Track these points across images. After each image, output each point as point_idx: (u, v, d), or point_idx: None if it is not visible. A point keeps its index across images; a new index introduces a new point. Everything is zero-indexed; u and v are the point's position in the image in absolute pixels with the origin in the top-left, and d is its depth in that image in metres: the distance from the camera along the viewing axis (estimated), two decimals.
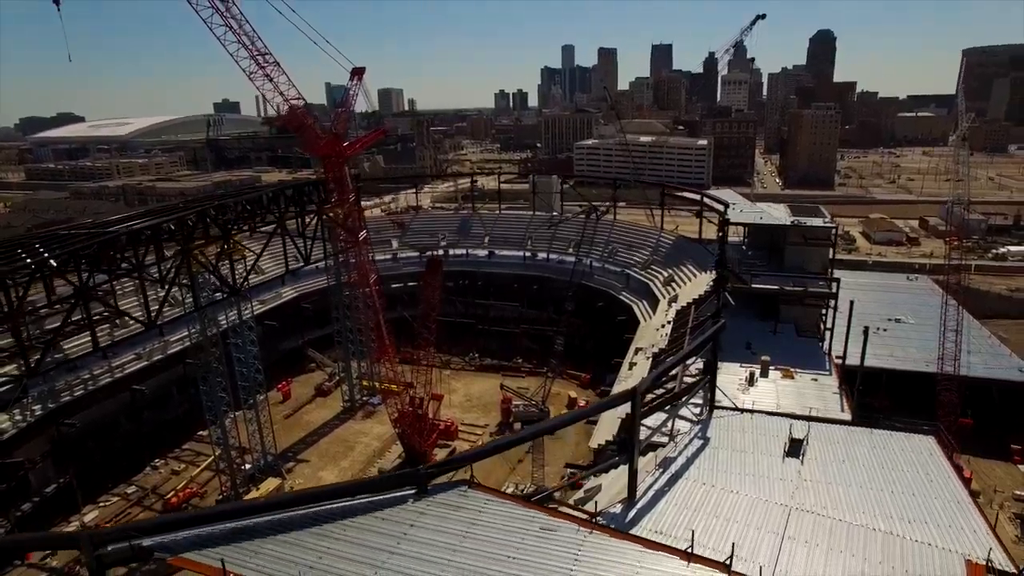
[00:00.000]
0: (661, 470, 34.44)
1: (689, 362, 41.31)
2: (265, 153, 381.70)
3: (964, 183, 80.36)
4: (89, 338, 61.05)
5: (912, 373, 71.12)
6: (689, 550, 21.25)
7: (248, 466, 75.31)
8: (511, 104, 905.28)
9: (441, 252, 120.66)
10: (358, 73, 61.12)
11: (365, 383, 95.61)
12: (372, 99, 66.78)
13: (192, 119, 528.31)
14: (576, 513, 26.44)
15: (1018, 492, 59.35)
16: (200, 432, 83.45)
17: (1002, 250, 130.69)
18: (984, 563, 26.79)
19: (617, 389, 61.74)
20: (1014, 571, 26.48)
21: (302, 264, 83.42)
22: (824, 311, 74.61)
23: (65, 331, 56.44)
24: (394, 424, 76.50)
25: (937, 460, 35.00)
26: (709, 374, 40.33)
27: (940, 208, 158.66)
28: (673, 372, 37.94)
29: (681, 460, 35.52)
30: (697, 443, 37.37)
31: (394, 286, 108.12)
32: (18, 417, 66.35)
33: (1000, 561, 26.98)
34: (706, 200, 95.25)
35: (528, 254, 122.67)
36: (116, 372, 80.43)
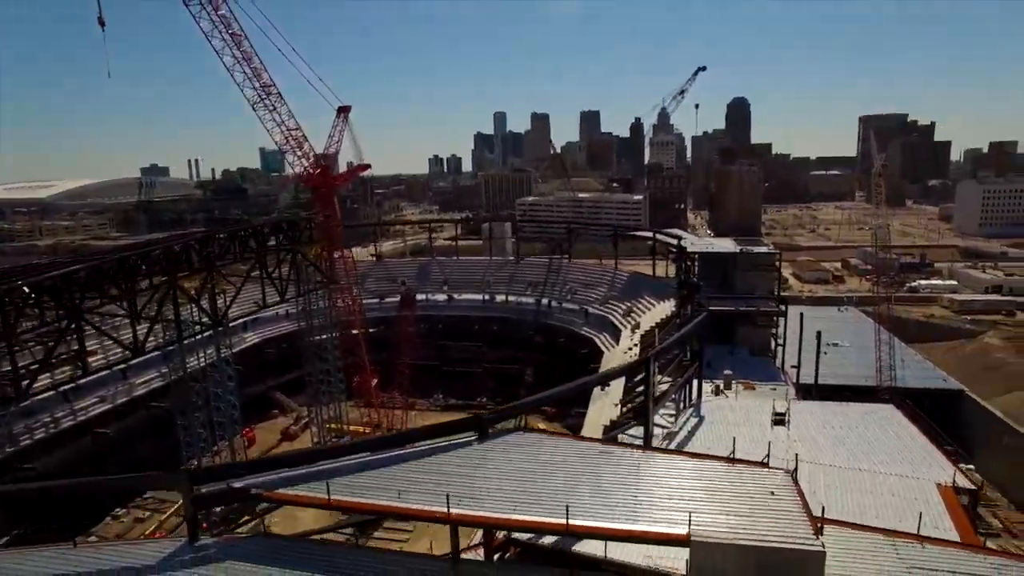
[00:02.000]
0: (667, 441, 38.08)
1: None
2: (201, 215, 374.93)
3: (883, 218, 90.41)
4: (49, 380, 59.87)
5: (856, 387, 78.20)
6: (732, 455, 24.90)
7: (220, 508, 73.76)
8: (445, 168, 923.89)
9: (399, 299, 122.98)
10: (344, 111, 64.92)
11: (333, 426, 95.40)
12: (357, 139, 70.33)
13: (121, 182, 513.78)
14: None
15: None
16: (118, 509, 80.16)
17: (915, 283, 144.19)
18: (952, 485, 31.56)
19: (593, 406, 65.14)
20: (975, 487, 31.37)
21: (260, 310, 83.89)
22: (774, 330, 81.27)
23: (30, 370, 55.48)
24: None
25: (899, 419, 40.29)
26: (697, 361, 44.72)
27: (858, 250, 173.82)
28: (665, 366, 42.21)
29: (683, 433, 39.33)
30: (694, 420, 41.35)
31: (355, 332, 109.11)
32: None
33: (962, 483, 31.85)
34: (659, 236, 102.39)
35: (487, 297, 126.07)
36: (79, 415, 78.14)
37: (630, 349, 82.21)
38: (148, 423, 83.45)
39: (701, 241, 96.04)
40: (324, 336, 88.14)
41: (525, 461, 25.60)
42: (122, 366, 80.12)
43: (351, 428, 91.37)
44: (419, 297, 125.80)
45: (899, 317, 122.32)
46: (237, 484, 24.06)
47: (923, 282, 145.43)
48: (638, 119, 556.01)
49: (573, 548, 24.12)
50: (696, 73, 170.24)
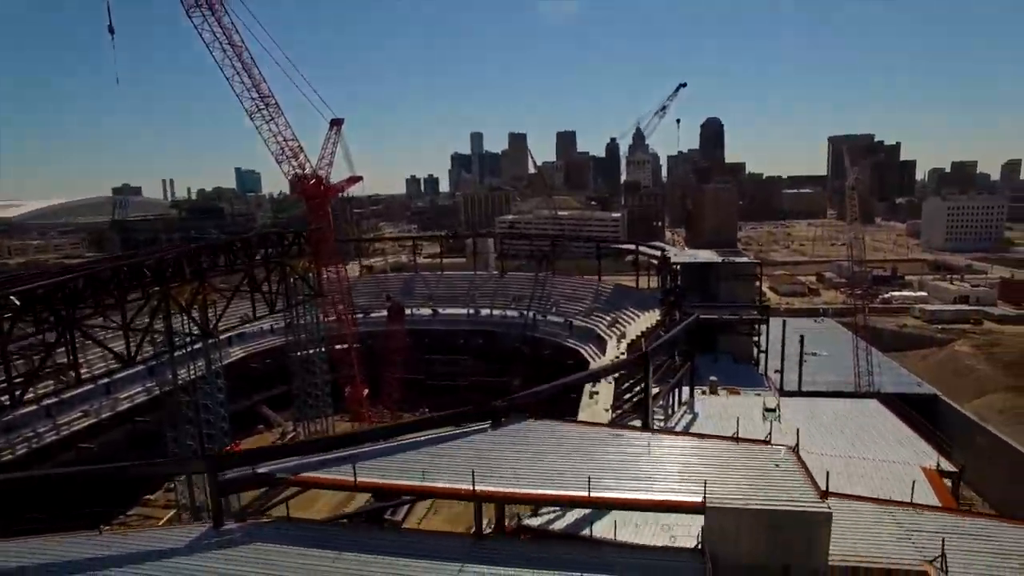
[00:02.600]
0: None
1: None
2: (178, 235, 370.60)
3: (858, 230, 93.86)
4: (31, 394, 59.28)
5: (836, 392, 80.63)
6: (735, 435, 26.24)
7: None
8: (422, 188, 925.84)
9: (385, 313, 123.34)
10: (337, 124, 66.07)
11: None
12: (350, 152, 71.34)
13: (92, 201, 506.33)
14: None
15: None
16: (147, 496, 79.76)
17: (887, 295, 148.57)
18: (936, 468, 33.31)
19: (583, 413, 66.26)
20: (957, 470, 33.15)
21: (247, 323, 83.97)
22: (756, 338, 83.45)
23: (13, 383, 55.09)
24: None
25: (884, 412, 42.16)
26: (689, 361, 46.25)
27: (832, 264, 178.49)
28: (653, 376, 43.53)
29: (680, 427, 40.67)
30: (689, 416, 42.76)
31: (339, 347, 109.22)
32: None
33: (946, 467, 33.62)
34: (642, 249, 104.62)
35: (472, 311, 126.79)
36: (63, 430, 77.14)
37: (617, 358, 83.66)
38: (132, 437, 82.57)
39: (684, 253, 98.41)
40: (312, 351, 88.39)
41: (540, 445, 26.68)
42: (105, 380, 79.69)
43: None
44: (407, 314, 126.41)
45: (874, 327, 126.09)
46: (262, 469, 24.73)
47: (895, 294, 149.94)
48: (614, 139, 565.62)
49: (583, 533, 25.17)
50: (677, 89, 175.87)
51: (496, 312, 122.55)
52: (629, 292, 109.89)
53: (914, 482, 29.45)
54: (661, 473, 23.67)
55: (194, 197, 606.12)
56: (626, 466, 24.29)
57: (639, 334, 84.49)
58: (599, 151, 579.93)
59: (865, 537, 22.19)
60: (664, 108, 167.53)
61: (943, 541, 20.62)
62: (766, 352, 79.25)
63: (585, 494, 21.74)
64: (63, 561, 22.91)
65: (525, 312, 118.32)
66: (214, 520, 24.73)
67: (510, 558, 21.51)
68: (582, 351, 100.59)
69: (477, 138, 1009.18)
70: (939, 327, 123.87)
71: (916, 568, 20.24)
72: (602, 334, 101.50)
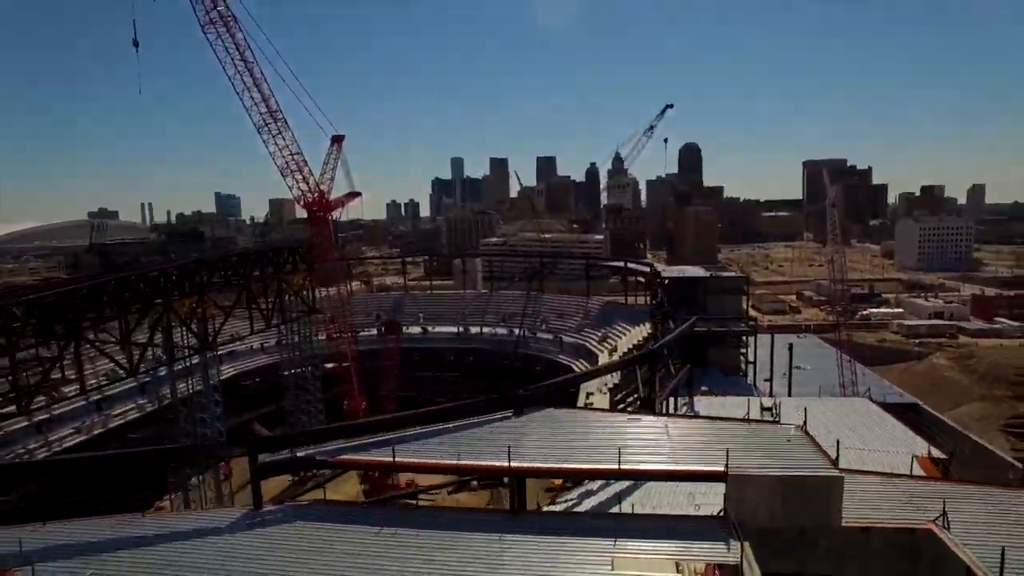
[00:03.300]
0: None
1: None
2: (158, 258, 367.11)
3: (838, 250, 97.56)
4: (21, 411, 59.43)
5: None
6: (747, 416, 27.91)
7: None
8: (403, 213, 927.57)
9: (375, 332, 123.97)
10: (338, 140, 67.83)
11: None
12: (350, 169, 72.88)
13: (69, 224, 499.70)
14: None
15: None
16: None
17: (866, 312, 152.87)
18: (927, 456, 35.36)
19: None
20: (946, 457, 35.24)
21: (237, 341, 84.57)
22: (744, 350, 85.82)
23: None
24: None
25: (875, 409, 44.26)
26: (689, 363, 48.09)
27: (812, 283, 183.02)
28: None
29: None
30: (692, 414, 44.45)
31: (329, 365, 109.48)
32: None
33: (936, 455, 35.71)
34: (630, 266, 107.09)
35: (462, 329, 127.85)
36: (54, 446, 76.63)
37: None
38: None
39: (672, 268, 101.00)
40: (307, 368, 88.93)
41: (563, 428, 28.15)
42: (97, 397, 79.55)
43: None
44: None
45: (854, 342, 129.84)
46: (301, 453, 25.81)
47: (873, 310, 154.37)
48: (593, 164, 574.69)
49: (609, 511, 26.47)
50: (664, 110, 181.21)
51: (486, 330, 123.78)
52: (618, 308, 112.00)
53: (912, 465, 31.35)
54: (682, 449, 25.23)
55: (173, 221, 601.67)
56: (648, 444, 25.80)
57: (631, 347, 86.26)
58: (579, 176, 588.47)
59: (872, 503, 23.91)
60: (652, 128, 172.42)
61: (944, 502, 22.43)
62: (754, 363, 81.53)
63: (616, 467, 23.19)
64: (110, 539, 23.75)
65: (515, 329, 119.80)
66: (253, 502, 25.70)
67: (546, 528, 22.84)
68: (574, 366, 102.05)
69: (458, 163, 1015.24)
70: (916, 341, 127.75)
71: (921, 526, 21.98)
72: (593, 349, 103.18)
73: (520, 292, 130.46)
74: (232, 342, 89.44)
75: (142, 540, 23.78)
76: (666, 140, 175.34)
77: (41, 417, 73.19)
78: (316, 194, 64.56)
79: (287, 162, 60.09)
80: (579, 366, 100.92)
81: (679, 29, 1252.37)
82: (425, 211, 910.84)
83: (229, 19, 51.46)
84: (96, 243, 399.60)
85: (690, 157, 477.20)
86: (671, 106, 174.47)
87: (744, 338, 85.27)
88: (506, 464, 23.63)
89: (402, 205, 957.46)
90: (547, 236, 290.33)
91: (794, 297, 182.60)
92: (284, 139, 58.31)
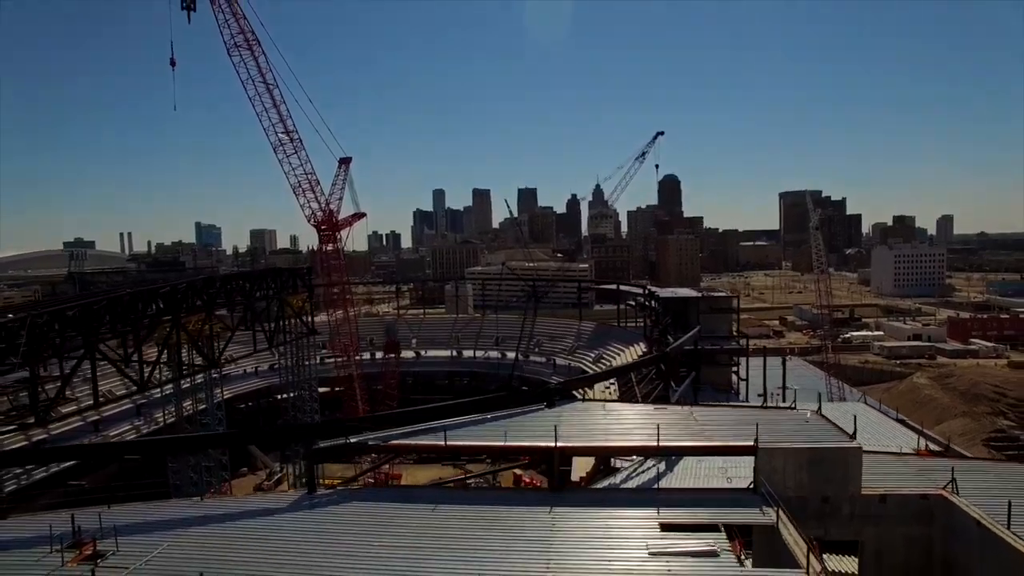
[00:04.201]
0: None
1: None
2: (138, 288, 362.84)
3: (824, 270, 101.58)
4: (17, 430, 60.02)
5: None
6: (764, 403, 29.98)
7: None
8: (384, 243, 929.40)
9: (368, 356, 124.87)
10: (345, 162, 70.14)
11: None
12: (356, 191, 74.96)
13: (46, 254, 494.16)
14: None
15: None
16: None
17: (847, 335, 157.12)
18: (927, 448, 37.78)
19: None
20: (942, 448, 37.71)
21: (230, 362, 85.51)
22: (736, 368, 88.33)
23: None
24: None
25: (867, 410, 46.79)
26: (695, 371, 50.29)
27: (794, 308, 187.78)
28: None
29: None
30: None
31: (322, 390, 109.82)
32: None
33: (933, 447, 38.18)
34: (623, 288, 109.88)
35: (455, 352, 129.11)
36: (52, 467, 76.33)
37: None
38: (121, 476, 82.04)
39: (664, 289, 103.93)
40: (305, 391, 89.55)
41: (596, 417, 30.03)
42: (95, 417, 79.52)
43: (326, 481, 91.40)
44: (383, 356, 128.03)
45: (838, 363, 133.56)
46: (354, 439, 27.30)
47: (854, 333, 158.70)
48: (574, 195, 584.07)
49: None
50: (655, 137, 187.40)
51: (479, 353, 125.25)
52: (611, 330, 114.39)
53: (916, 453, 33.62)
54: (710, 430, 27.21)
55: (153, 251, 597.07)
56: (680, 426, 27.75)
57: (627, 364, 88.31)
58: (560, 207, 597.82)
59: (886, 476, 26.03)
60: (644, 154, 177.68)
61: (952, 470, 24.64)
62: (747, 380, 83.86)
63: (655, 443, 25.09)
64: (177, 519, 25.02)
65: (507, 352, 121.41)
66: (308, 487, 27.07)
67: (591, 502, 24.62)
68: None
69: (439, 195, 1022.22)
70: (897, 362, 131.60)
71: (933, 492, 24.14)
72: (588, 370, 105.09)
73: (513, 316, 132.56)
74: (227, 364, 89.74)
75: (206, 519, 25.08)
76: (657, 166, 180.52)
77: (39, 437, 72.96)
78: (326, 213, 66.48)
79: (300, 181, 62.12)
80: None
81: (654, 66, 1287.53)
82: (407, 242, 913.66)
83: (254, 43, 53.98)
84: (74, 272, 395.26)
85: (670, 189, 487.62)
86: (662, 133, 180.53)
87: (735, 357, 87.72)
88: (552, 444, 25.41)
89: (383, 236, 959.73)
90: (531, 264, 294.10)
91: (777, 322, 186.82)
92: (299, 159, 60.48)
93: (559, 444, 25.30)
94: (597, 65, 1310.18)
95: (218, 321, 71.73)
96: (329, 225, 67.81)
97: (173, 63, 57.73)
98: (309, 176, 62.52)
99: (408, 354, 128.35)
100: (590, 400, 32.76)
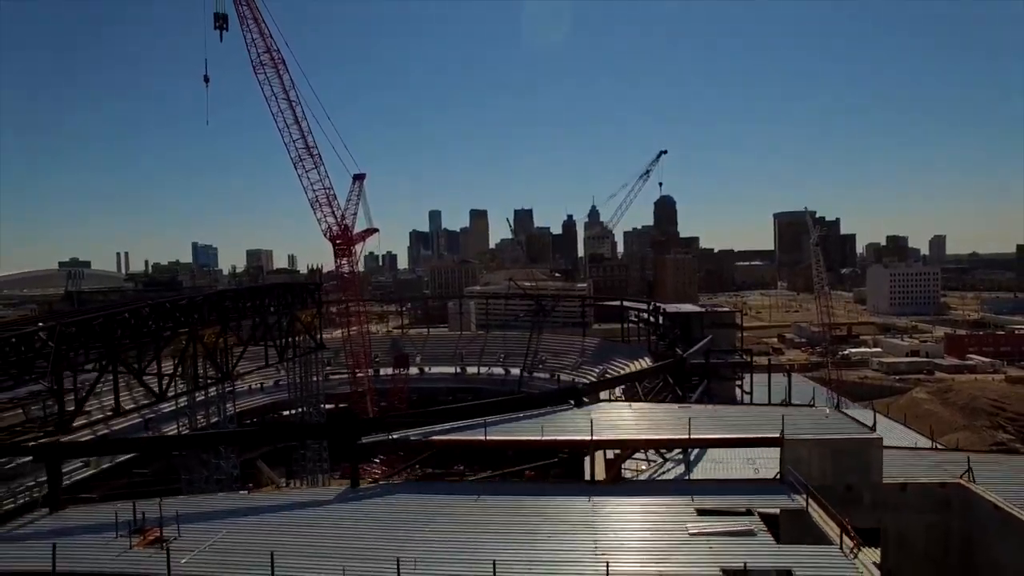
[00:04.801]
0: None
1: None
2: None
3: (824, 286, 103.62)
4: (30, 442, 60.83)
5: None
6: (785, 401, 31.32)
7: None
8: (380, 264, 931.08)
9: (372, 372, 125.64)
10: (359, 178, 71.90)
11: None
12: (369, 207, 76.71)
13: (41, 274, 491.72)
14: None
15: None
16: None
17: (846, 352, 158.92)
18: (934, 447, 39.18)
19: None
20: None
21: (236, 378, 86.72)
22: (740, 382, 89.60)
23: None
24: None
25: (880, 417, 48.04)
26: (706, 379, 51.69)
27: (793, 326, 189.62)
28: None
29: None
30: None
31: (327, 407, 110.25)
32: None
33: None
34: (626, 304, 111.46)
35: (459, 369, 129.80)
36: (64, 479, 76.75)
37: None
38: (130, 490, 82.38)
39: (669, 305, 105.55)
40: (311, 408, 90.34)
41: (624, 414, 31.38)
42: (104, 431, 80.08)
43: None
44: (389, 372, 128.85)
45: (838, 379, 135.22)
46: (396, 435, 28.53)
47: (852, 350, 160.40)
48: (570, 216, 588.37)
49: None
50: (659, 156, 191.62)
51: (483, 369, 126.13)
52: (615, 345, 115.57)
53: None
54: (736, 424, 28.59)
55: (149, 271, 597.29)
56: (706, 423, 29.10)
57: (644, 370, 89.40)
58: (555, 228, 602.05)
59: (905, 468, 27.40)
60: (648, 172, 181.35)
61: (968, 460, 26.05)
62: (751, 394, 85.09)
63: (686, 436, 26.45)
64: (230, 509, 26.18)
65: (511, 369, 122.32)
66: (351, 481, 28.23)
67: (626, 492, 25.90)
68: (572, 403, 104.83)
69: (436, 216, 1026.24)
70: (896, 377, 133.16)
71: (951, 481, 25.54)
72: None
73: (515, 334, 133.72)
74: (239, 377, 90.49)
75: (258, 510, 26.25)
76: (661, 184, 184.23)
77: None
78: (341, 228, 68.08)
79: (317, 196, 63.77)
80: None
81: (646, 92, 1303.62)
82: (403, 263, 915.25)
83: (279, 61, 56.03)
84: (71, 291, 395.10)
85: (665, 209, 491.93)
86: (665, 152, 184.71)
87: (739, 370, 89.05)
88: (588, 438, 26.74)
89: (380, 257, 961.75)
90: (528, 284, 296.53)
91: (776, 340, 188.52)
92: (318, 174, 62.21)
93: (596, 438, 26.62)
94: (590, 89, 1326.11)
95: (231, 334, 72.87)
96: (344, 240, 69.34)
97: (207, 79, 59.97)
98: (328, 191, 64.28)
99: (412, 370, 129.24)
100: (615, 400, 34.07)
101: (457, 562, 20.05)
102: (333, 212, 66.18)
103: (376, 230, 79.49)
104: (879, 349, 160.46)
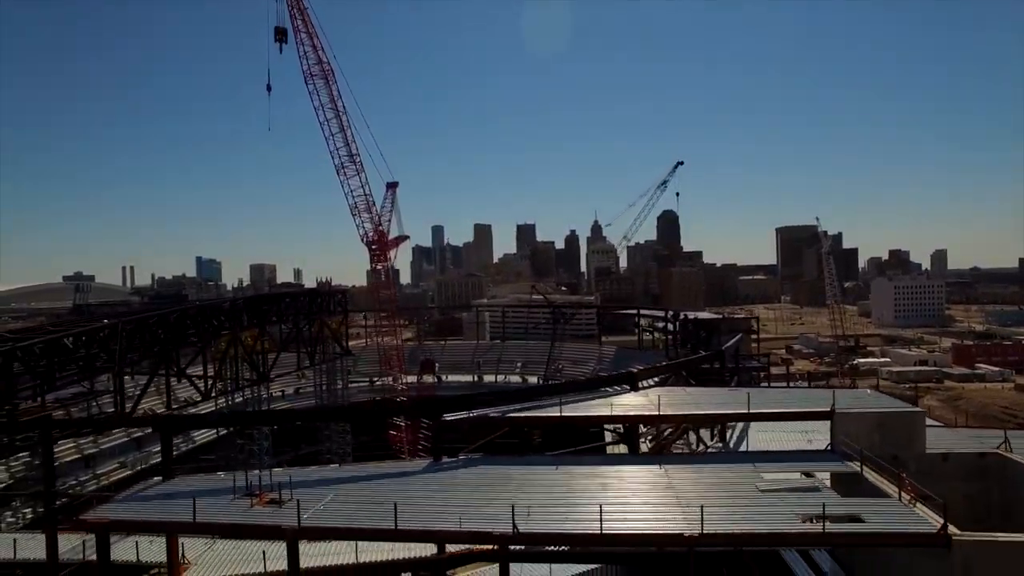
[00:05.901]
0: None
1: None
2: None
3: (836, 297, 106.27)
4: (72, 445, 63.52)
5: None
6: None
7: None
8: (383, 278, 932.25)
9: (391, 379, 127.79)
10: (392, 186, 74.86)
11: None
12: (401, 214, 79.32)
13: (48, 287, 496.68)
14: None
15: None
16: None
17: (855, 361, 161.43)
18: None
19: None
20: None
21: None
22: (765, 383, 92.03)
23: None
24: None
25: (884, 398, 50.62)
26: (736, 375, 54.18)
27: (800, 337, 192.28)
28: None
29: None
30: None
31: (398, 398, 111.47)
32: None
33: None
34: (643, 312, 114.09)
35: (476, 378, 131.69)
36: (102, 479, 79.09)
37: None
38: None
39: (688, 311, 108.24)
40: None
41: (683, 395, 33.95)
42: (139, 434, 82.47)
43: None
44: (410, 380, 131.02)
45: (854, 387, 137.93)
46: (475, 412, 31.04)
47: (861, 360, 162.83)
48: (573, 231, 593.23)
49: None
50: (676, 167, 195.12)
51: (500, 378, 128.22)
52: (633, 352, 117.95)
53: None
54: (784, 400, 31.12)
55: (155, 285, 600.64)
56: (759, 401, 31.60)
57: (652, 383, 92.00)
58: (558, 243, 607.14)
59: (943, 442, 29.88)
60: (665, 183, 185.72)
61: (1005, 432, 28.54)
62: None
63: (745, 411, 28.98)
64: (336, 478, 28.71)
65: (528, 378, 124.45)
66: (434, 455, 30.73)
67: (693, 461, 28.44)
68: None
69: (438, 230, 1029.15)
70: (906, 386, 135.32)
71: (989, 451, 28.01)
72: (610, 391, 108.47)
73: (532, 343, 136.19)
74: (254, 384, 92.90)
75: (355, 478, 28.76)
76: (678, 194, 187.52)
77: (90, 451, 75.80)
78: (378, 233, 70.93)
79: (357, 202, 66.69)
80: None
81: (648, 107, 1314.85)
82: (405, 278, 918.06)
83: (329, 72, 59.17)
84: (79, 304, 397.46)
85: (668, 224, 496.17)
86: (682, 163, 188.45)
87: (757, 374, 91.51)
88: (655, 412, 29.29)
89: (382, 271, 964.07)
90: (537, 297, 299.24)
91: (784, 351, 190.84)
92: (359, 180, 65.13)
93: (663, 412, 29.17)
94: (594, 102, 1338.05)
95: (268, 337, 75.64)
96: (380, 245, 72.15)
97: (269, 88, 63.39)
98: (367, 197, 67.16)
99: (429, 379, 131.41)
100: (667, 386, 36.63)
101: (565, 507, 22.48)
102: (372, 218, 69.04)
103: (407, 237, 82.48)
104: (887, 359, 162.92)
